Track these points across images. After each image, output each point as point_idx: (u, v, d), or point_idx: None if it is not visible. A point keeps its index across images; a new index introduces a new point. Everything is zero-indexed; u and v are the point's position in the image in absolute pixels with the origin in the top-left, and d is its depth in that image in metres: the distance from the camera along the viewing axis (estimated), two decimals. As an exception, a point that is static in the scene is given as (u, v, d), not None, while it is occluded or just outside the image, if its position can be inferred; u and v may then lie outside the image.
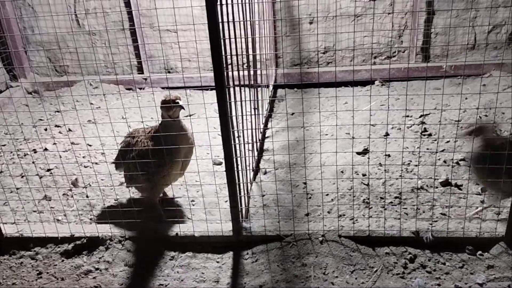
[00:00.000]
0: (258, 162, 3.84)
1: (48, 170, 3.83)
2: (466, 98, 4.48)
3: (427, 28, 5.22)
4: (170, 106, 2.87)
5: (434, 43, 5.28)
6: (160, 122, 3.04)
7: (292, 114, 4.64)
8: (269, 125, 4.47)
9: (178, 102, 2.87)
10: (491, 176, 2.70)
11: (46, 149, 4.10)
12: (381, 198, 3.19)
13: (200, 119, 4.20)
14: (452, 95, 4.55)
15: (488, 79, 4.76)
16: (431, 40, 5.27)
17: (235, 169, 2.72)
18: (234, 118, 2.74)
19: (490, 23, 5.14)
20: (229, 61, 2.68)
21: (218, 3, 2.39)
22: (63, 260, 2.91)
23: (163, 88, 5.48)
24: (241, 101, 3.00)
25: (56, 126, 4.57)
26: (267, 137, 4.28)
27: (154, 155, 2.92)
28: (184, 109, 2.90)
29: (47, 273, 2.84)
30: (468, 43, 5.25)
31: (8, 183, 3.65)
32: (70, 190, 3.57)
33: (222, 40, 2.45)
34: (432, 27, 5.21)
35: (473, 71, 4.97)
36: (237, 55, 2.96)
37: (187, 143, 3.00)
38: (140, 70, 5.70)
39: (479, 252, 2.66)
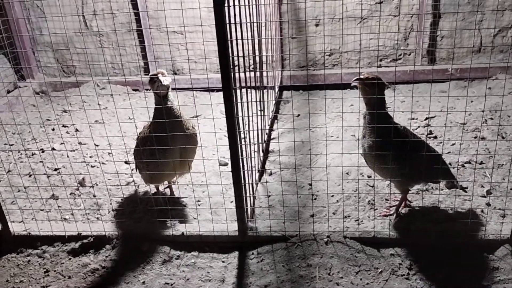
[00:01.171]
0: (263, 163, 3.85)
1: (56, 169, 3.87)
2: (471, 101, 4.49)
3: (433, 31, 5.22)
4: (153, 80, 2.86)
5: (440, 46, 5.28)
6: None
7: (298, 115, 4.66)
8: (275, 127, 4.49)
9: (158, 77, 2.83)
10: (379, 161, 2.74)
11: (53, 149, 4.13)
12: (386, 199, 3.20)
13: (206, 119, 4.23)
14: (457, 98, 4.55)
15: (494, 82, 4.76)
16: (437, 43, 5.27)
17: (241, 169, 2.74)
18: (240, 119, 2.76)
19: (496, 26, 5.13)
20: (235, 62, 2.70)
21: (226, 4, 2.42)
22: (70, 259, 2.94)
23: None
24: (247, 102, 3.02)
25: (64, 126, 4.62)
26: (273, 138, 4.30)
27: (147, 148, 2.97)
28: (168, 88, 2.88)
29: (54, 271, 2.87)
30: (474, 46, 5.25)
31: (16, 182, 3.69)
32: (77, 189, 3.60)
33: (229, 42, 2.47)
34: (438, 30, 5.21)
35: (479, 74, 4.96)
36: (243, 56, 2.98)
37: (185, 140, 2.98)
38: (147, 71, 5.73)
39: (484, 254, 2.67)
